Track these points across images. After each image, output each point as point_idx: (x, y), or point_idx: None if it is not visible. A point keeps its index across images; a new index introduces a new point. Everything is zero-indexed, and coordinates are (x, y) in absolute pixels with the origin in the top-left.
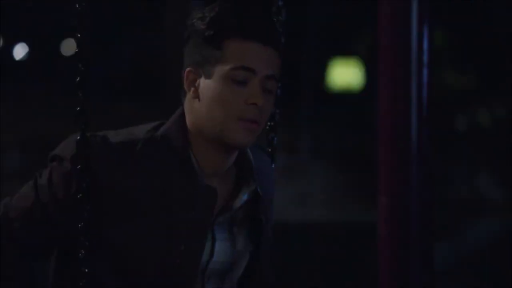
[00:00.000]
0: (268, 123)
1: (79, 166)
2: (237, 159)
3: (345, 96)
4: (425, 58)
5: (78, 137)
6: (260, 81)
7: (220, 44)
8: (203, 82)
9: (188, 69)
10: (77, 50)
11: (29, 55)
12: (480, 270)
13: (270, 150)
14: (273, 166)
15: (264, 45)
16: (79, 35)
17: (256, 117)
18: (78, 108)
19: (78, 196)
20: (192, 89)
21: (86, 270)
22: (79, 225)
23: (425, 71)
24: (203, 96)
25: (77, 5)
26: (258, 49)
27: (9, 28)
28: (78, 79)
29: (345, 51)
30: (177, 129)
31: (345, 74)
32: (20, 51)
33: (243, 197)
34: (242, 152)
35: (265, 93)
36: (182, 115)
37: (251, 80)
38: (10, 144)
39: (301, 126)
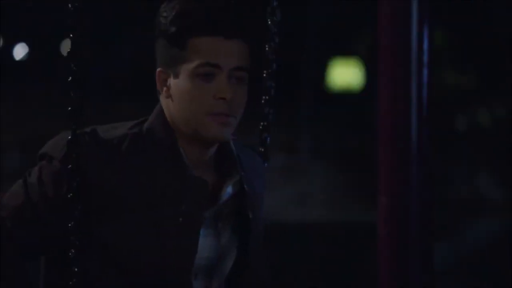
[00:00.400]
0: (262, 123)
1: (69, 166)
2: (218, 150)
3: (345, 96)
4: (425, 58)
5: (69, 137)
6: (226, 75)
7: (183, 43)
8: (172, 82)
9: (158, 69)
10: (69, 50)
11: (29, 55)
12: (480, 270)
13: (262, 150)
14: (265, 165)
15: (228, 39)
16: (71, 35)
17: (226, 110)
18: (69, 108)
19: (68, 195)
20: (164, 88)
21: (77, 269)
22: (70, 224)
23: (425, 71)
24: (174, 96)
25: (69, 5)
26: (221, 44)
27: (9, 28)
28: (70, 79)
29: (345, 51)
30: (160, 123)
31: (345, 74)
32: (20, 51)
33: (227, 189)
34: (222, 143)
35: (233, 85)
36: (162, 110)
37: (217, 75)
38: (10, 144)
39: (301, 126)
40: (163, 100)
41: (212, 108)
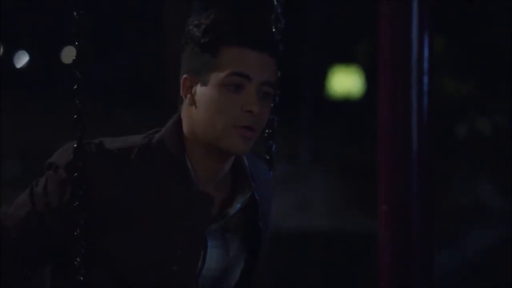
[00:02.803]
0: (266, 131)
1: (75, 174)
2: (233, 166)
3: (346, 104)
4: (425, 65)
5: (75, 145)
6: (256, 87)
7: (215, 51)
8: (199, 89)
9: (184, 76)
10: (74, 58)
11: (29, 63)
12: (480, 277)
13: (268, 157)
14: (271, 173)
15: (259, 52)
16: (76, 43)
17: (252, 124)
18: (75, 116)
19: (74, 204)
20: (189, 96)
21: (82, 278)
22: (75, 233)
23: (425, 78)
24: (199, 103)
25: (74, 13)
26: (253, 56)
27: (10, 36)
28: (75, 87)
29: (345, 59)
30: (172, 136)
31: (345, 82)
32: (20, 59)
33: (238, 205)
34: (237, 159)
35: (261, 100)
36: (178, 122)
37: (246, 87)
38: (11, 151)
39: (301, 133)
40: (185, 108)
41: (239, 120)
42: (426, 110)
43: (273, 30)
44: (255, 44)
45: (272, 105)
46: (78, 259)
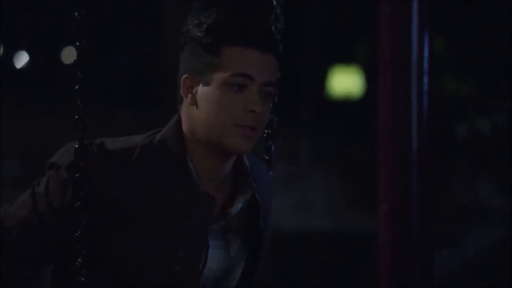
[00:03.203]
0: (266, 131)
1: (76, 174)
2: (233, 166)
3: (345, 104)
4: (425, 65)
5: (77, 145)
6: (258, 87)
7: (218, 51)
8: (200, 89)
9: (185, 75)
10: (75, 58)
11: (29, 63)
12: (480, 277)
13: (267, 157)
14: (270, 173)
15: (262, 52)
16: (77, 43)
17: (254, 124)
18: (76, 116)
19: (75, 204)
20: (189, 95)
21: (83, 278)
22: (76, 234)
23: (425, 78)
24: (201, 102)
25: (76, 14)
26: (256, 56)
27: (10, 36)
28: (77, 87)
29: (345, 59)
30: (173, 136)
31: (345, 82)
32: (20, 59)
33: (239, 205)
34: (238, 159)
35: (263, 99)
36: (178, 121)
37: (249, 87)
38: (11, 151)
39: (301, 133)
40: (185, 108)
41: (241, 120)
42: (426, 110)
43: (274, 30)
44: (258, 44)
45: (271, 105)
46: (79, 259)
